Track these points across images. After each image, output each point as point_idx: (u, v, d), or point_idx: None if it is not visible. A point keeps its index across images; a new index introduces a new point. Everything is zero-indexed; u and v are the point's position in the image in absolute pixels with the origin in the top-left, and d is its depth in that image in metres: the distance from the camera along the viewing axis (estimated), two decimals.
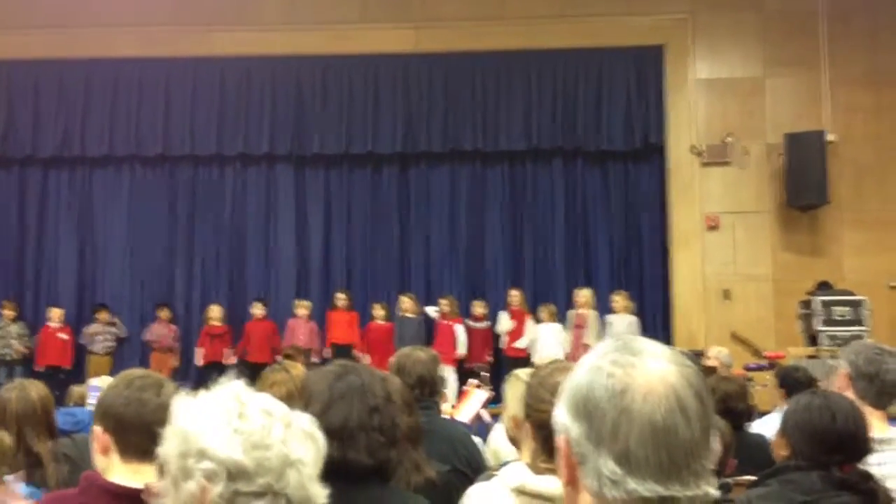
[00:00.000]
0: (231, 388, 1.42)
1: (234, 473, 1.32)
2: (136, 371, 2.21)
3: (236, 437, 1.34)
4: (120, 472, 2.04)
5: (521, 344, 11.37)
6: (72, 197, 12.53)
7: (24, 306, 12.07)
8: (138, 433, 2.03)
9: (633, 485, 1.13)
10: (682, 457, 1.14)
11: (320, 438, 1.42)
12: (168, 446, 1.39)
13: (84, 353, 11.76)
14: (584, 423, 1.17)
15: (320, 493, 1.39)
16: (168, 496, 1.36)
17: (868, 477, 2.40)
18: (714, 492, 1.17)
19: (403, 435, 2.52)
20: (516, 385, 2.50)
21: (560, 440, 1.21)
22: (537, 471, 1.97)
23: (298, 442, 1.37)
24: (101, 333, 11.74)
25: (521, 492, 1.97)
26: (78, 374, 11.09)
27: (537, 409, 2.05)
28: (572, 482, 1.21)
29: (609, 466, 1.14)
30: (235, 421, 1.36)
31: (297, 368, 3.54)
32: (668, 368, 1.18)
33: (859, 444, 2.47)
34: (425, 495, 2.63)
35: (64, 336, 11.73)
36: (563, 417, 1.21)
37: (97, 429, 2.09)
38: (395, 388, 2.81)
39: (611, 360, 1.19)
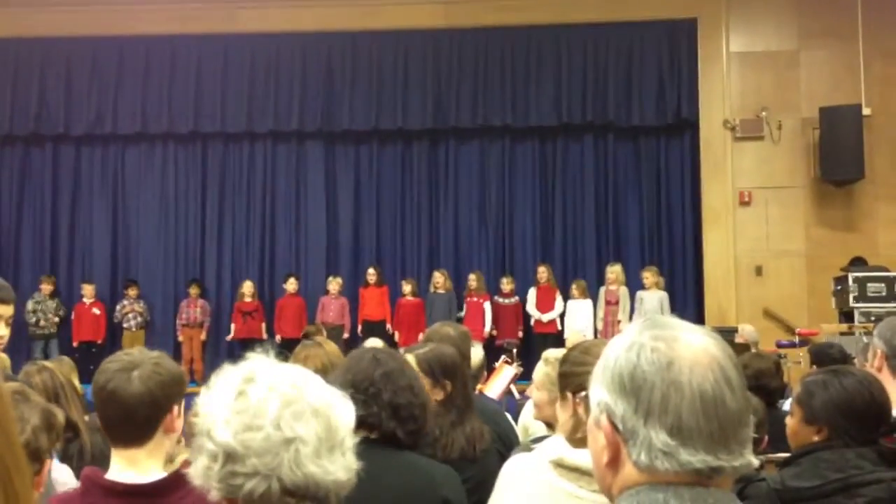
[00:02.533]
0: (249, 364, 1.44)
1: (230, 455, 1.35)
2: (121, 353, 2.13)
3: (232, 419, 1.36)
4: (117, 462, 2.03)
5: (548, 317, 11.37)
6: (104, 174, 12.64)
7: (58, 282, 12.22)
8: (115, 420, 2.02)
9: (686, 456, 1.15)
10: (731, 426, 1.17)
11: (333, 413, 1.42)
12: (197, 422, 1.42)
13: (118, 327, 11.94)
14: (630, 399, 1.18)
15: (331, 469, 1.38)
16: (193, 468, 1.41)
17: None
18: (755, 460, 1.20)
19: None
20: (546, 367, 2.50)
21: (601, 421, 1.22)
22: (575, 444, 1.97)
23: (299, 420, 1.37)
24: (131, 310, 11.90)
25: (559, 465, 1.98)
26: (112, 348, 11.24)
27: (580, 373, 2.05)
28: (614, 462, 1.21)
29: (661, 438, 1.16)
30: (234, 401, 1.38)
31: (330, 345, 3.57)
32: (707, 341, 1.21)
33: (891, 416, 2.45)
34: (488, 461, 2.89)
35: (97, 311, 11.91)
36: (602, 397, 1.22)
37: (97, 412, 2.10)
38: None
39: (651, 336, 1.21)
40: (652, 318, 1.26)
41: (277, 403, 1.37)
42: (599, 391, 1.23)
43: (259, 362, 1.44)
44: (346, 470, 1.41)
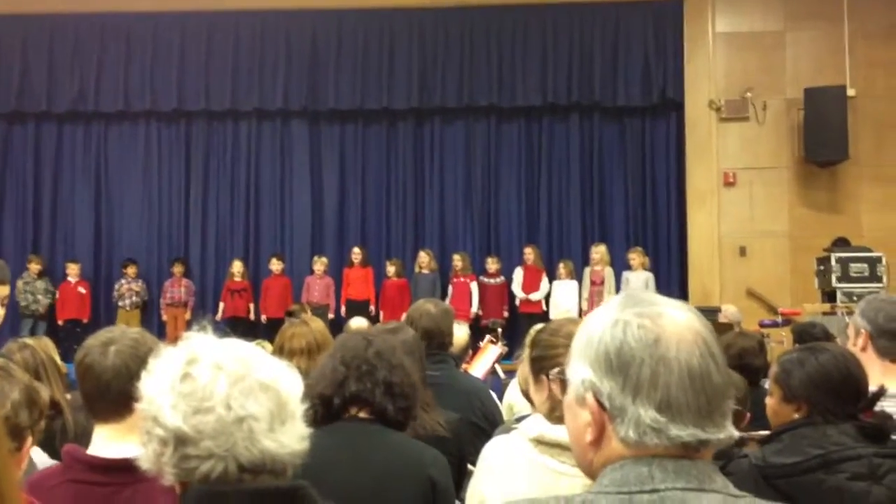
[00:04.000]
0: (189, 344, 1.42)
1: (181, 439, 1.34)
2: (105, 331, 2.14)
3: (180, 403, 1.35)
4: (99, 436, 2.04)
5: (535, 297, 11.40)
6: (87, 152, 12.55)
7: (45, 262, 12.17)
8: (93, 395, 2.03)
9: (676, 431, 1.16)
10: (717, 399, 1.18)
11: (285, 386, 1.41)
12: (141, 408, 1.41)
13: (103, 306, 11.90)
14: (617, 376, 1.18)
15: (284, 442, 1.38)
16: (143, 454, 1.40)
17: (889, 416, 2.41)
18: (736, 432, 1.22)
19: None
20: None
21: (587, 399, 1.22)
22: (554, 422, 1.98)
23: (250, 397, 1.36)
24: (129, 289, 11.84)
25: (539, 442, 1.99)
26: (96, 327, 11.16)
27: (552, 356, 2.06)
28: (598, 440, 1.21)
29: (650, 415, 1.16)
30: (179, 384, 1.36)
31: (317, 322, 3.55)
32: (689, 316, 1.22)
33: (867, 389, 2.48)
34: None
35: (82, 290, 11.86)
36: (586, 375, 1.22)
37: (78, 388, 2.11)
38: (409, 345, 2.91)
39: (635, 313, 1.21)
40: (631, 295, 1.26)
41: (225, 382, 1.36)
42: (583, 369, 1.22)
43: (200, 341, 1.42)
44: (299, 439, 1.40)
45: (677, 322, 1.20)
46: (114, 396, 1.98)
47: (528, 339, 2.73)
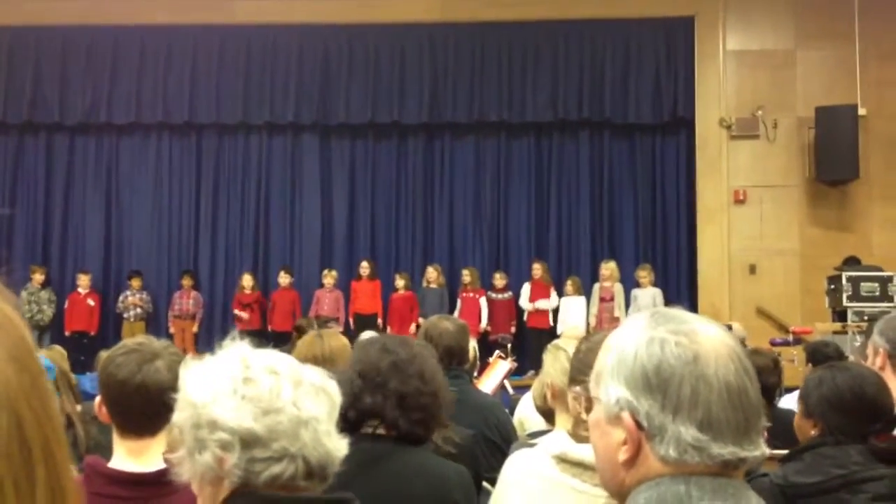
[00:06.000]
0: (235, 351, 1.41)
1: (249, 441, 1.32)
2: (129, 342, 2.10)
3: (245, 405, 1.33)
4: (120, 452, 2.02)
5: (543, 305, 11.34)
6: (98, 164, 12.58)
7: (50, 272, 12.18)
8: (124, 412, 2.00)
9: (717, 449, 1.15)
10: (754, 416, 1.17)
11: (333, 390, 1.42)
12: (180, 417, 1.38)
13: (112, 317, 11.88)
14: (656, 394, 1.17)
15: (339, 446, 1.39)
16: (185, 466, 1.36)
17: None
18: (767, 450, 1.21)
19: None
20: (557, 355, 2.49)
21: (623, 418, 1.19)
22: (578, 439, 1.95)
23: (310, 399, 1.37)
24: (134, 301, 11.83)
25: (562, 460, 1.96)
26: (104, 339, 11.18)
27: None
28: (633, 458, 1.19)
29: (691, 433, 1.15)
30: (242, 387, 1.35)
31: (338, 338, 3.47)
32: (720, 332, 1.22)
33: (889, 412, 2.45)
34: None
35: (91, 302, 11.84)
36: (621, 393, 1.20)
37: (98, 400, 2.07)
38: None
39: (670, 330, 1.20)
40: (661, 312, 1.25)
41: (289, 384, 1.36)
42: (616, 388, 1.20)
43: (241, 349, 1.42)
44: (345, 445, 1.41)
45: (711, 338, 1.19)
46: (161, 411, 1.95)
47: (545, 356, 2.70)
